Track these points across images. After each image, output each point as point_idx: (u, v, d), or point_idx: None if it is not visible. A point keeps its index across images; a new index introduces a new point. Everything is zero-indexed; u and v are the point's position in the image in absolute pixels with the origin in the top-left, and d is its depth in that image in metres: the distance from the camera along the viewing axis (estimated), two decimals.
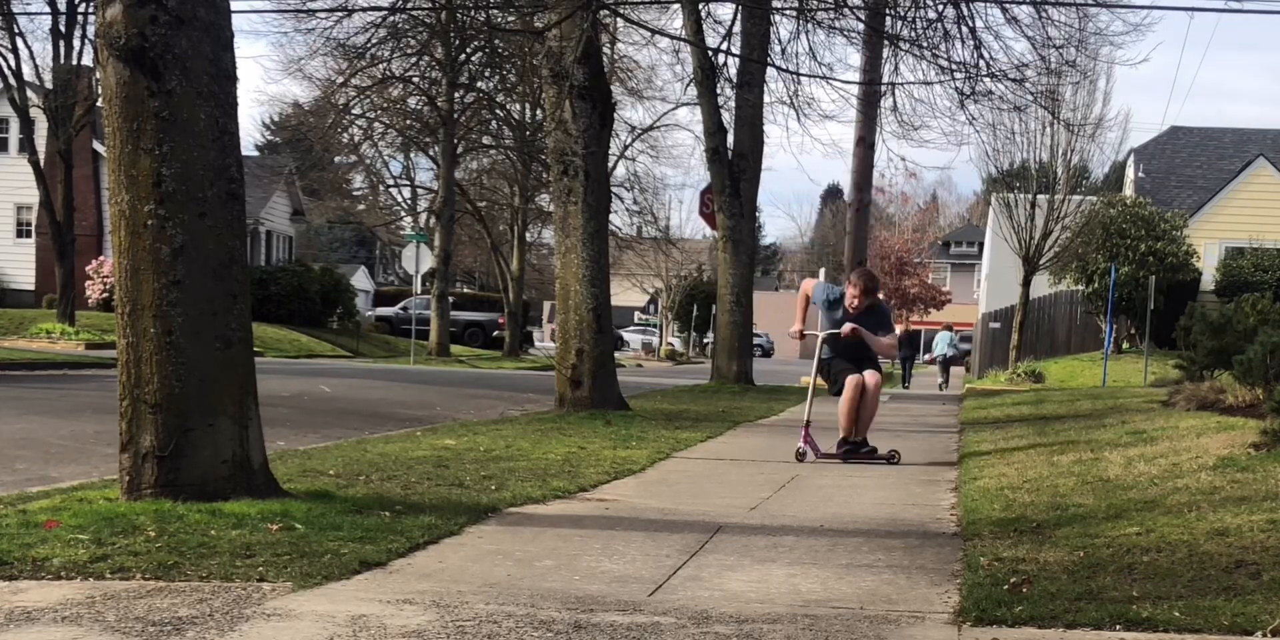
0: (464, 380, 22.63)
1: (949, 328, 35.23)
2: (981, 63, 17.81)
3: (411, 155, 45.11)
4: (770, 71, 21.23)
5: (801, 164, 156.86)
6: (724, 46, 20.73)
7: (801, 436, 9.20)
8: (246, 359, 6.04)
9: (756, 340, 38.72)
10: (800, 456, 9.11)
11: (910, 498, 7.43)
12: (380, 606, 4.15)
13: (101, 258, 34.10)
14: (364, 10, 26.56)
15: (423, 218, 44.08)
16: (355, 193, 52.97)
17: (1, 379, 16.43)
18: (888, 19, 18.62)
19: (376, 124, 39.15)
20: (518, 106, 39.55)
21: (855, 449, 9.38)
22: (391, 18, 28.65)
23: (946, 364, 33.65)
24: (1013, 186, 32.22)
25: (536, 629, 3.90)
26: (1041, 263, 31.46)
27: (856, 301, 9.48)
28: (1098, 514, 6.05)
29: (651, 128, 41.13)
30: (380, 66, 34.75)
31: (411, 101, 38.44)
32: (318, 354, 32.19)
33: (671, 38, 22.32)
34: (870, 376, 9.44)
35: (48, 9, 27.18)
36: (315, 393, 15.96)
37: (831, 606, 4.36)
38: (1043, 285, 33.40)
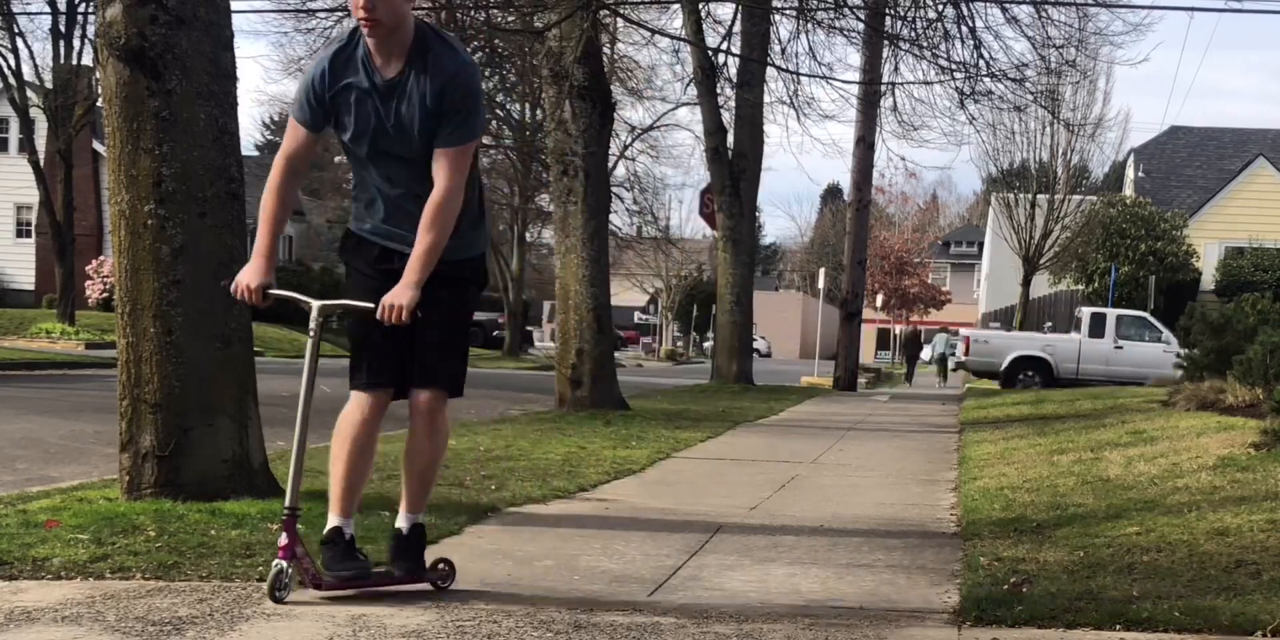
0: None
1: (944, 329, 35.77)
2: (981, 62, 17.80)
3: None
4: (770, 71, 21.24)
5: (801, 163, 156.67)
6: (724, 46, 20.73)
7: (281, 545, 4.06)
8: (246, 358, 6.04)
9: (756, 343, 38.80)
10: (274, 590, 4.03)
11: (910, 498, 7.43)
12: (380, 606, 4.15)
13: (101, 257, 34.09)
14: None
15: None
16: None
17: (1, 379, 16.42)
18: (887, 19, 18.61)
19: None
20: (517, 106, 39.55)
21: (348, 563, 4.21)
22: None
23: (943, 361, 34.38)
24: (1013, 186, 32.30)
25: (536, 629, 3.90)
26: (1041, 262, 31.55)
27: (377, 52, 4.15)
28: (1097, 514, 6.05)
29: (651, 128, 41.09)
30: None
31: None
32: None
33: (671, 38, 22.30)
34: (423, 397, 4.30)
35: (48, 9, 27.18)
36: (315, 392, 15.94)
37: (831, 606, 4.36)
38: (1043, 285, 33.47)
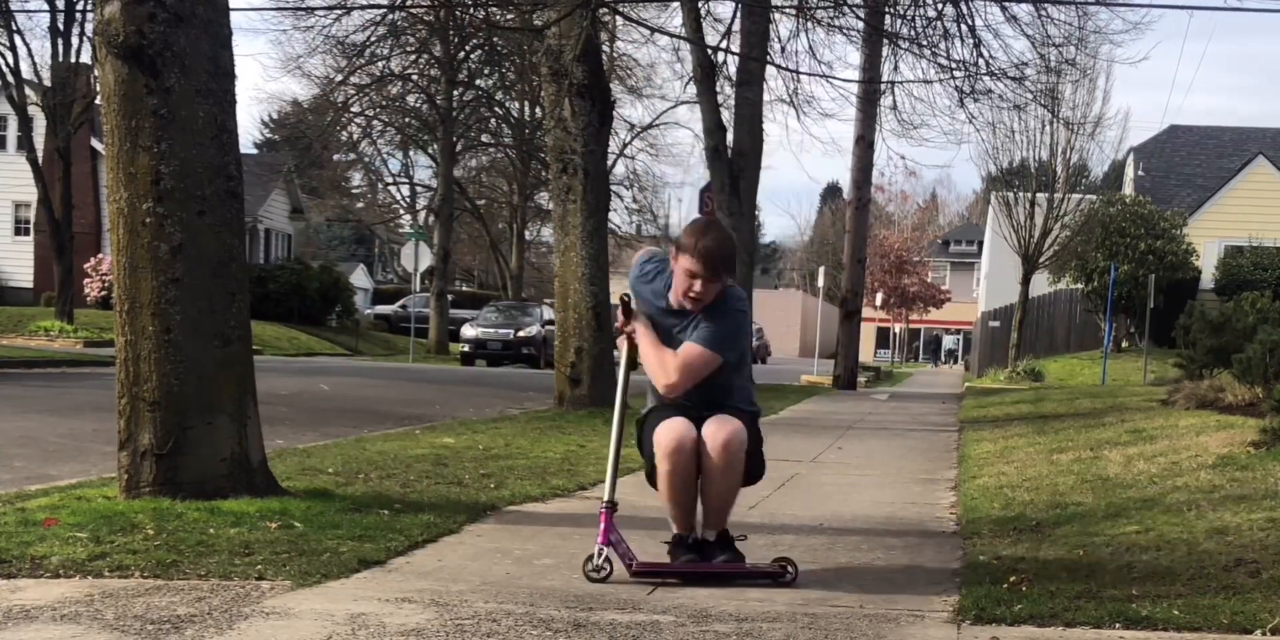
0: (463, 378, 22.62)
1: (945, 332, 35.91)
2: (981, 61, 17.77)
3: (410, 153, 45.21)
4: (770, 70, 21.20)
5: (801, 162, 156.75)
6: (723, 44, 20.69)
7: (600, 532, 4.70)
8: (245, 357, 6.02)
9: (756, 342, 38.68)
10: (597, 571, 4.64)
11: (909, 496, 7.43)
12: (379, 605, 4.14)
13: (100, 255, 34.05)
14: (363, 8, 26.58)
15: (421, 215, 44.10)
16: (354, 190, 53.00)
17: (0, 377, 16.41)
18: (887, 17, 18.59)
19: (375, 122, 39.18)
20: (517, 104, 39.59)
21: (702, 554, 4.86)
22: (390, 15, 28.67)
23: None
24: (1012, 185, 32.28)
25: (536, 627, 3.90)
26: (1041, 261, 31.52)
27: (688, 290, 4.84)
28: (1097, 512, 6.04)
29: (651, 126, 41.18)
30: (379, 64, 34.79)
31: (410, 99, 38.47)
32: (317, 352, 32.17)
33: (671, 35, 22.29)
34: (717, 429, 4.78)
35: (46, 7, 27.14)
36: (314, 391, 15.94)
37: (831, 605, 4.36)
38: (1042, 284, 33.45)
